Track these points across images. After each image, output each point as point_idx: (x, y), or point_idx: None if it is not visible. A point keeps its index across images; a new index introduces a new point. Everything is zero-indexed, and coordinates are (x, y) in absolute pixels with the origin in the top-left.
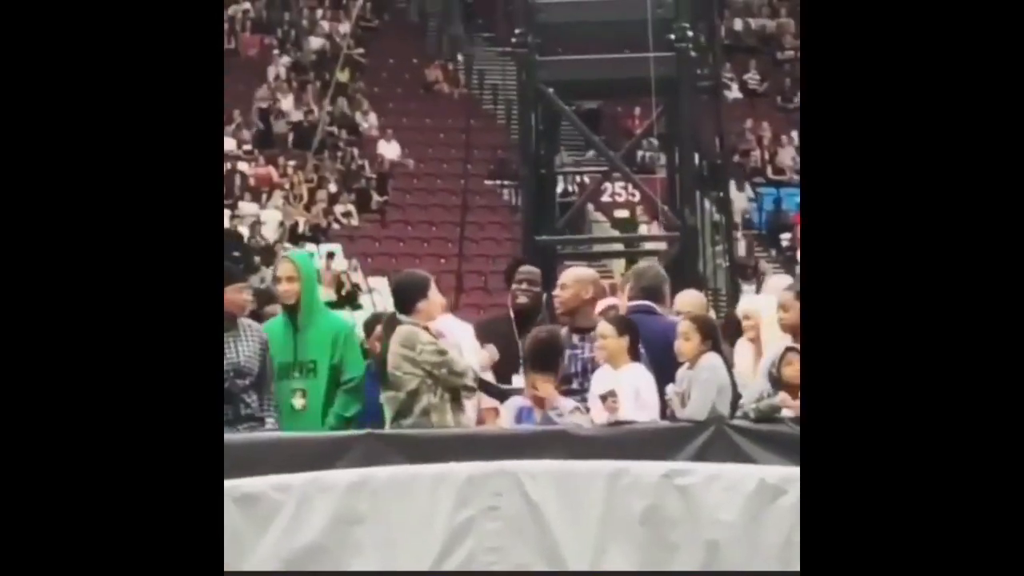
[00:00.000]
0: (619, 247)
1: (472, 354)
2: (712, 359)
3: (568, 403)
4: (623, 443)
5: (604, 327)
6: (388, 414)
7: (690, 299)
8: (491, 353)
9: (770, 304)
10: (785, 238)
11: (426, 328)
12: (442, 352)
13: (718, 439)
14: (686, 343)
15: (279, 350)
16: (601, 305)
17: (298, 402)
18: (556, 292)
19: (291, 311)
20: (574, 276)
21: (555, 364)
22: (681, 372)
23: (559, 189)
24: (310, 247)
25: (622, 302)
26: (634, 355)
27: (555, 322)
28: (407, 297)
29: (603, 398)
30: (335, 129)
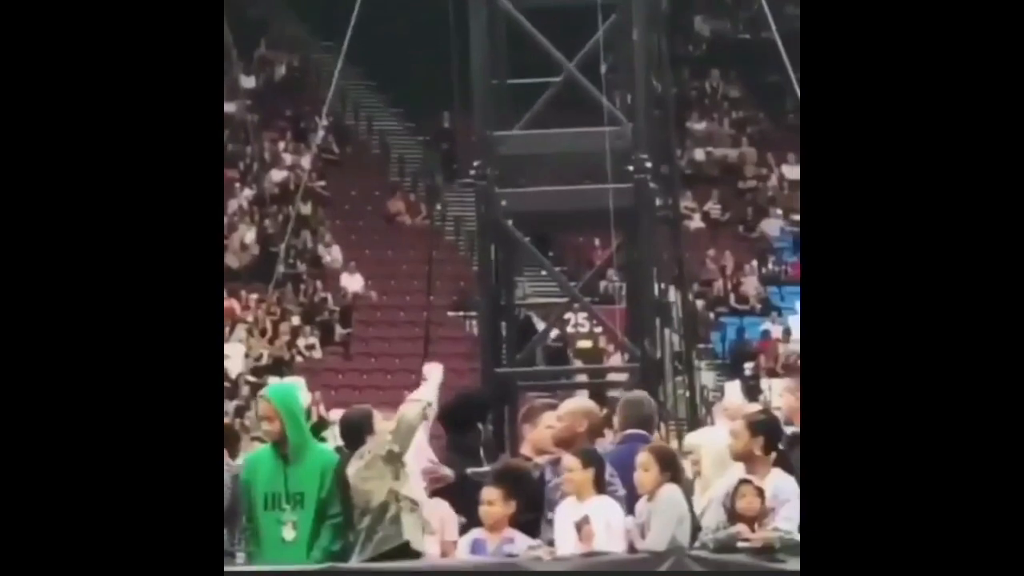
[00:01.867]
0: (582, 378)
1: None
2: (671, 491)
3: (524, 541)
4: (586, 575)
5: (569, 460)
6: (361, 536)
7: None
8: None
9: (716, 436)
10: (748, 367)
11: None
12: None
13: (678, 569)
14: (645, 474)
15: (267, 481)
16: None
17: (288, 534)
18: (551, 423)
19: (278, 444)
20: (569, 408)
21: (513, 483)
22: (640, 504)
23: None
24: (272, 380)
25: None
26: (600, 487)
27: (514, 454)
28: (355, 433)
29: (578, 526)
30: (297, 262)
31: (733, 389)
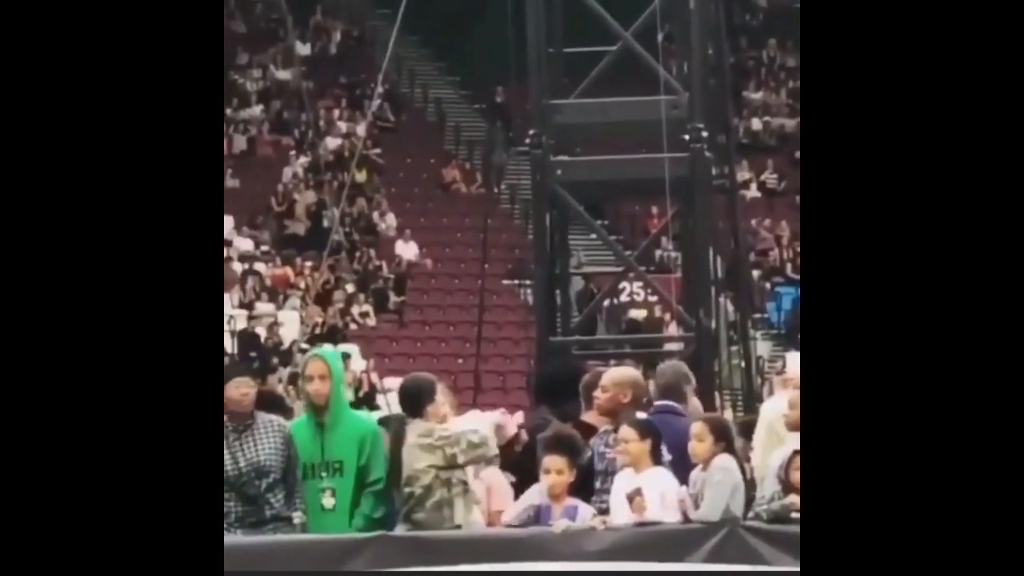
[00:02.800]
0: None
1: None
2: (725, 460)
3: (587, 509)
4: (638, 545)
5: (626, 431)
6: (401, 511)
7: (618, 374)
8: (503, 419)
9: (773, 407)
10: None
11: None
12: (454, 432)
13: (732, 540)
14: (699, 444)
15: (305, 450)
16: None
17: (328, 501)
18: (596, 394)
19: (318, 410)
20: (613, 378)
21: (570, 451)
22: (695, 473)
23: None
24: (327, 347)
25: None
26: (656, 459)
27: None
28: (415, 401)
29: (630, 498)
30: (352, 230)
31: (796, 359)
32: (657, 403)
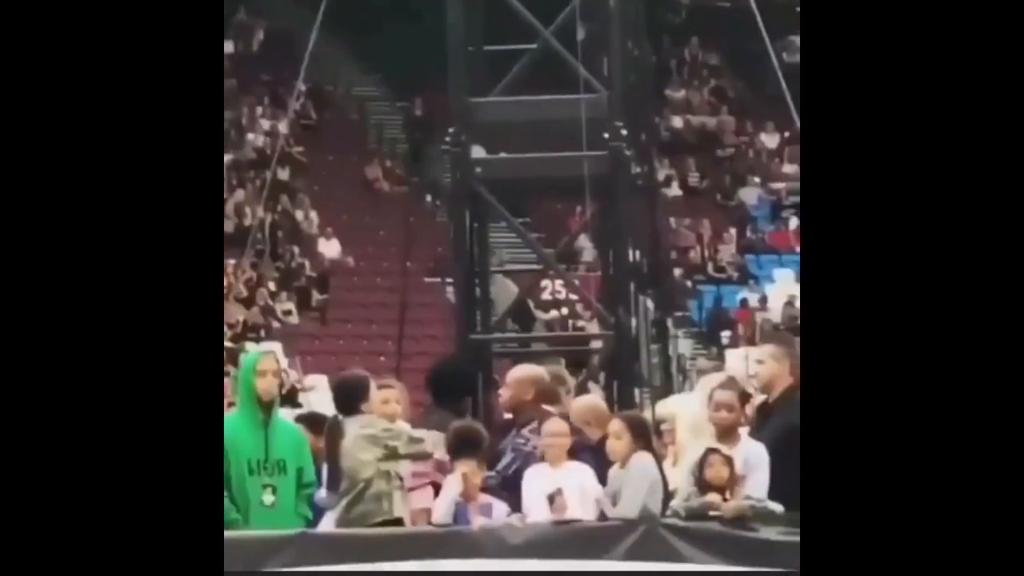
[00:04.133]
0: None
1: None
2: (643, 458)
3: (501, 507)
4: (557, 542)
5: (556, 425)
6: (342, 503)
7: (584, 404)
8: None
9: (691, 404)
10: (725, 335)
11: None
12: (396, 427)
13: (650, 538)
14: (617, 442)
15: (246, 445)
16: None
17: (268, 498)
18: (500, 391)
19: (264, 407)
20: (515, 377)
21: (479, 452)
22: (613, 471)
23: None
24: (250, 346)
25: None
26: (572, 454)
27: (490, 420)
28: (349, 399)
29: (551, 498)
30: (273, 228)
31: (734, 356)
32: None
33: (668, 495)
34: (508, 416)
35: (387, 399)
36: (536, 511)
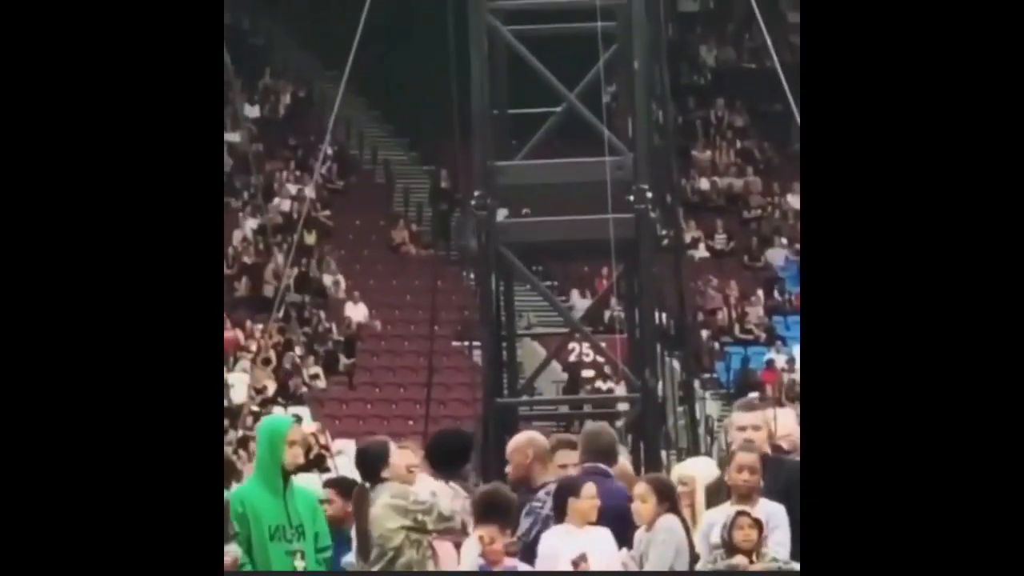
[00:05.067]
0: (585, 408)
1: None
2: (670, 521)
3: (525, 569)
4: None
5: (591, 488)
6: (374, 568)
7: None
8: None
9: (709, 466)
10: (753, 396)
11: None
12: (428, 500)
13: None
14: (643, 505)
15: (270, 512)
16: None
17: (299, 564)
18: (507, 468)
19: (286, 475)
20: (512, 447)
21: (504, 518)
22: (639, 534)
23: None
24: (277, 410)
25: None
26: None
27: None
28: (371, 466)
29: (575, 563)
30: (300, 292)
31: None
32: (586, 465)
33: (695, 557)
34: (518, 484)
35: (409, 463)
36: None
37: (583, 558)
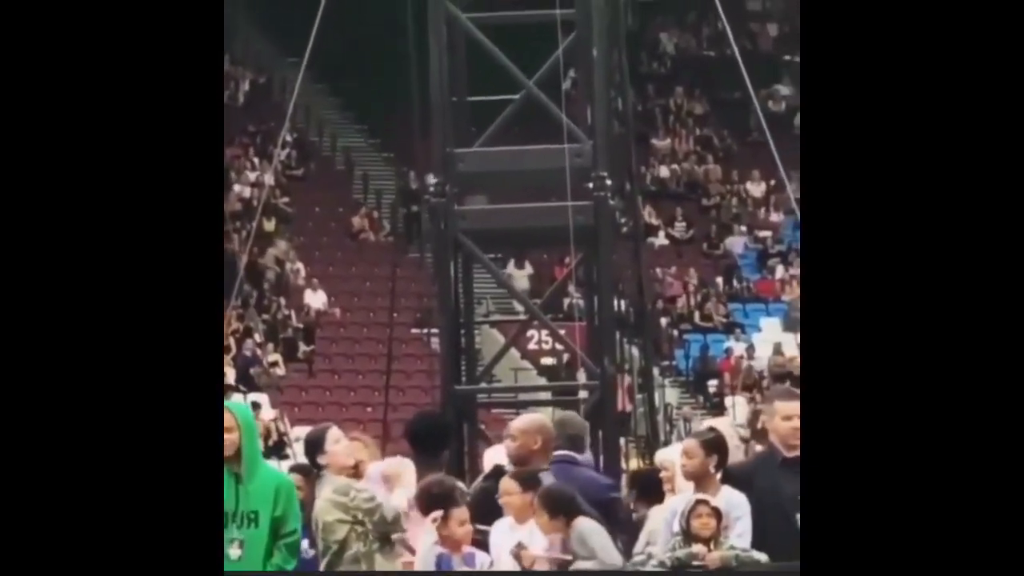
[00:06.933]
0: (544, 395)
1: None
2: (584, 522)
3: (484, 556)
4: None
5: (508, 483)
6: (322, 561)
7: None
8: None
9: (672, 455)
10: (712, 384)
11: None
12: (373, 499)
13: None
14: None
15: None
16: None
17: (234, 552)
18: (506, 443)
19: (229, 461)
20: (521, 426)
21: (451, 505)
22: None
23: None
24: (236, 397)
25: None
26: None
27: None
28: (310, 453)
29: (515, 555)
30: (260, 279)
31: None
32: (557, 453)
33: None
34: (516, 465)
35: (358, 456)
36: (504, 564)
37: (520, 546)
